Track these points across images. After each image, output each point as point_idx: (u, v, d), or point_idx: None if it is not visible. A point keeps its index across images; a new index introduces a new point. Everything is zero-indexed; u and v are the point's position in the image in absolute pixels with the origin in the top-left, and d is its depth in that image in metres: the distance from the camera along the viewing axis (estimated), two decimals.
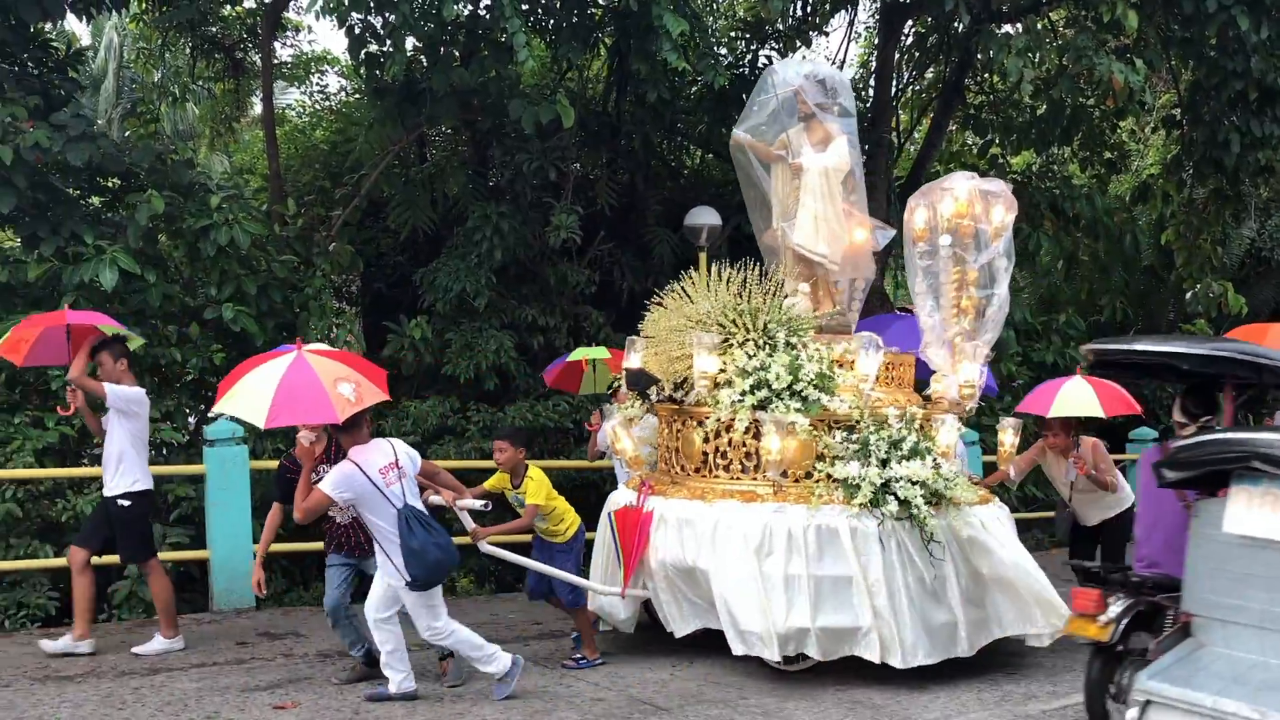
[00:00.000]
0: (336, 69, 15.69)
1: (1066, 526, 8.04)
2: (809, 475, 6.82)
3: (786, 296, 7.52)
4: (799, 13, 13.04)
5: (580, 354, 9.35)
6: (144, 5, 12.47)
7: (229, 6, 12.95)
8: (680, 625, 6.95)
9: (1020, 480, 8.23)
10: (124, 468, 7.08)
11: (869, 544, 6.54)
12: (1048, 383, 8.10)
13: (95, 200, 10.23)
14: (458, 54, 10.73)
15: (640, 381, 7.49)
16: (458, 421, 10.47)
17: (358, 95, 14.30)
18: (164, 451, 9.39)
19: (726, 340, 7.09)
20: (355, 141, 12.21)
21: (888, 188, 12.37)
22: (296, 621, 8.30)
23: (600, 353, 9.29)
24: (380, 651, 6.21)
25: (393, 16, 9.35)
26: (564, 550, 7.02)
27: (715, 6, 14.72)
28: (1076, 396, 7.60)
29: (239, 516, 8.57)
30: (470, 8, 10.10)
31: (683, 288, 7.44)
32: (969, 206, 7.42)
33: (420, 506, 6.09)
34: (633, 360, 7.55)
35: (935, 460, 6.78)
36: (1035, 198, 13.24)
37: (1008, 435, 7.80)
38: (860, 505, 6.56)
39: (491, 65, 10.25)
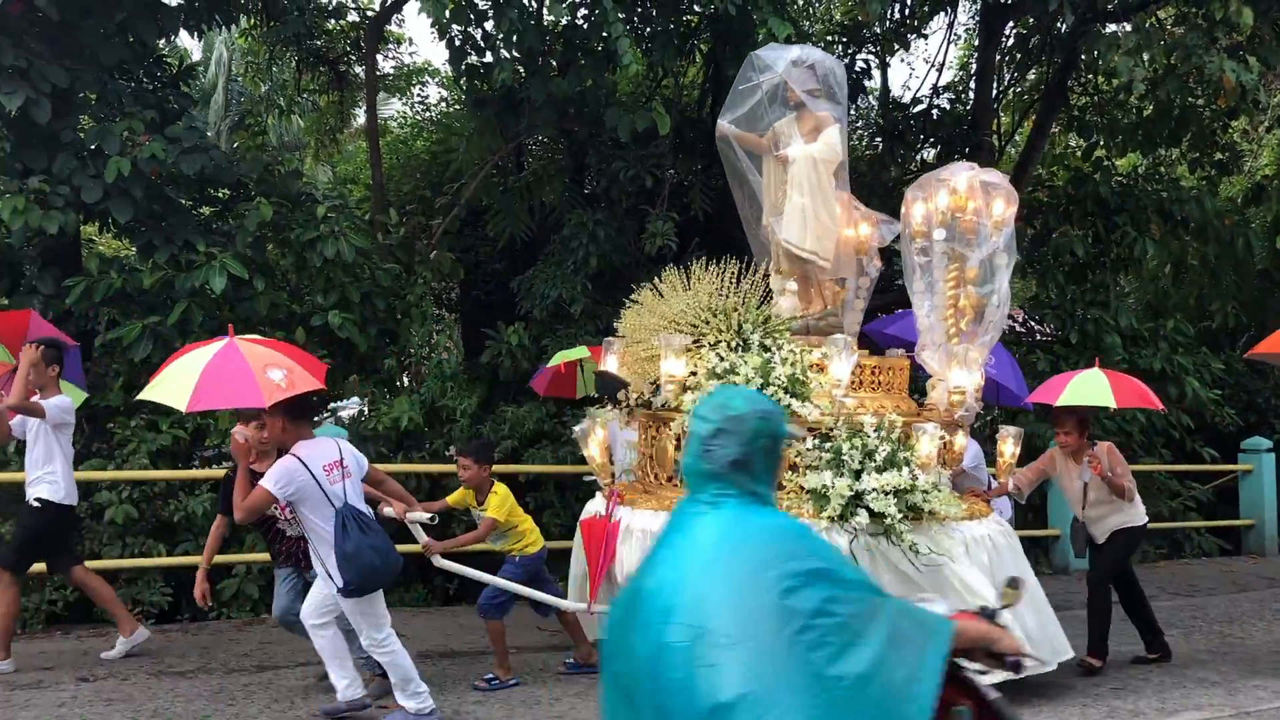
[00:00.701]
0: (437, 80, 15.98)
1: (1082, 542, 7.37)
2: (781, 486, 6.30)
3: (780, 295, 7.23)
4: (897, 15, 12.91)
5: (560, 357, 9.06)
6: (253, 21, 12.84)
7: (333, 21, 13.27)
8: None
9: (1028, 494, 7.74)
10: (54, 475, 6.87)
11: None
12: (1061, 374, 7.66)
13: (206, 210, 10.55)
14: (555, 64, 10.86)
15: (608, 385, 7.18)
16: (554, 426, 10.56)
17: (457, 106, 14.54)
18: None
19: (699, 341, 6.71)
20: (455, 151, 12.43)
21: None
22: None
23: (580, 352, 9.00)
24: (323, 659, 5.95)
25: (492, 27, 9.51)
26: (518, 564, 6.76)
27: (812, 11, 14.63)
28: (1089, 387, 7.19)
29: None
30: (569, 18, 10.19)
31: (656, 285, 7.08)
32: (968, 199, 6.99)
33: (363, 508, 5.79)
34: (608, 362, 7.24)
35: (914, 471, 6.25)
36: (1142, 201, 12.89)
37: (1008, 445, 7.35)
38: (830, 518, 6.07)
39: (589, 75, 10.33)
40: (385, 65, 15.35)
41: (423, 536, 6.41)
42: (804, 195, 7.14)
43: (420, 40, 38.34)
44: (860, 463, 6.18)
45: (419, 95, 16.23)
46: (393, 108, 17.23)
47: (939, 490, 6.32)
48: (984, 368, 7.19)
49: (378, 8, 13.05)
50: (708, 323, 6.75)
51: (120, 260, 10.03)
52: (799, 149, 7.15)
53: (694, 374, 6.56)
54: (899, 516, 6.05)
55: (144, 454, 8.77)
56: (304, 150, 17.83)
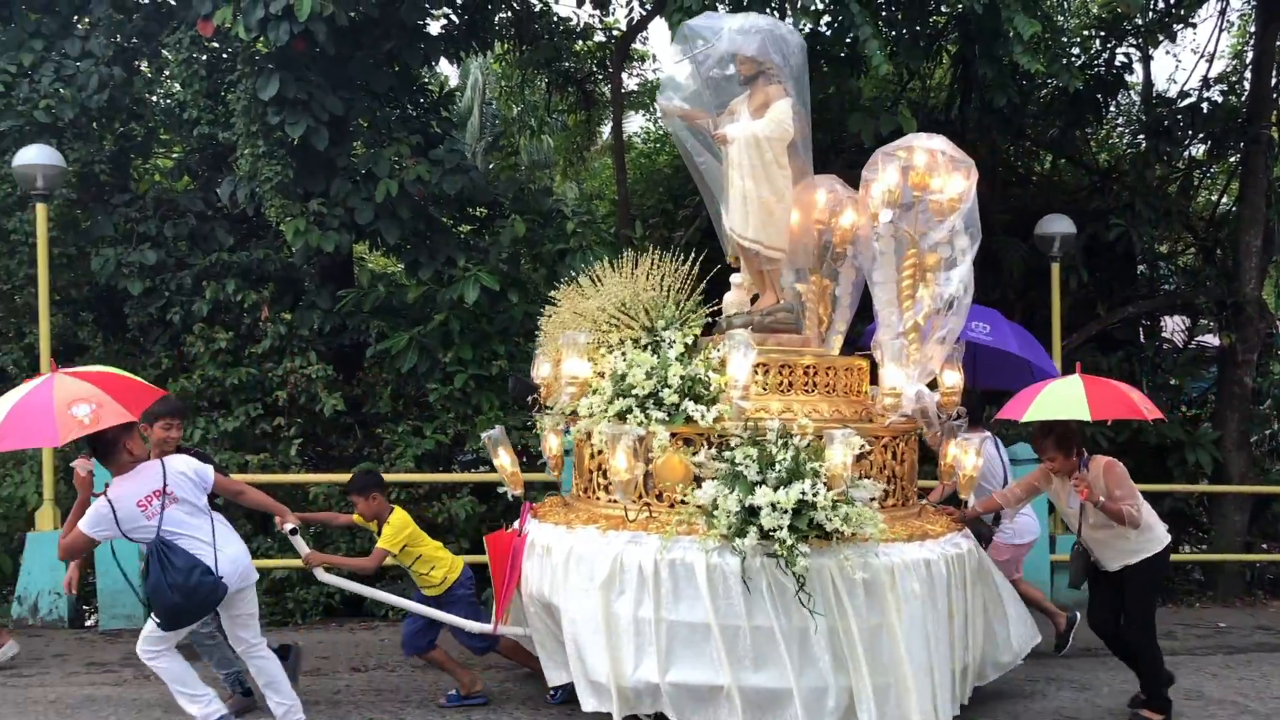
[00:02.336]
0: (680, 94, 16.20)
1: (1079, 571, 6.34)
2: (683, 501, 5.68)
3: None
4: (1161, 5, 12.15)
5: None
6: (506, 46, 13.44)
7: (581, 42, 13.71)
8: (552, 672, 6.02)
9: (1015, 513, 6.91)
10: None
11: (729, 584, 5.36)
12: (1033, 385, 6.38)
13: (465, 228, 11.11)
14: None
15: (520, 389, 6.81)
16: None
17: None
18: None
19: (622, 340, 6.21)
20: None
21: (1267, 187, 11.25)
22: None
23: None
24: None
25: None
26: (447, 601, 6.35)
27: (1068, 5, 13.98)
28: (1059, 397, 5.93)
29: None
30: (811, 25, 10.13)
31: (576, 279, 6.60)
32: (928, 175, 6.17)
33: (195, 531, 5.41)
34: (538, 365, 6.81)
35: (816, 484, 5.35)
36: None
37: (968, 456, 6.31)
38: (720, 537, 5.36)
39: (832, 81, 10.25)
40: (630, 82, 15.74)
41: (303, 548, 6.20)
42: (745, 178, 6.37)
43: (664, 56, 39.04)
44: (760, 473, 5.39)
45: None
46: (636, 123, 17.65)
47: (851, 506, 5.37)
48: (955, 361, 6.28)
49: (624, 28, 13.40)
50: (615, 320, 6.28)
51: (388, 275, 10.71)
52: (739, 127, 6.38)
53: (602, 375, 6.05)
54: (790, 536, 5.22)
55: (410, 458, 9.30)
56: (553, 168, 18.50)
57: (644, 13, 12.60)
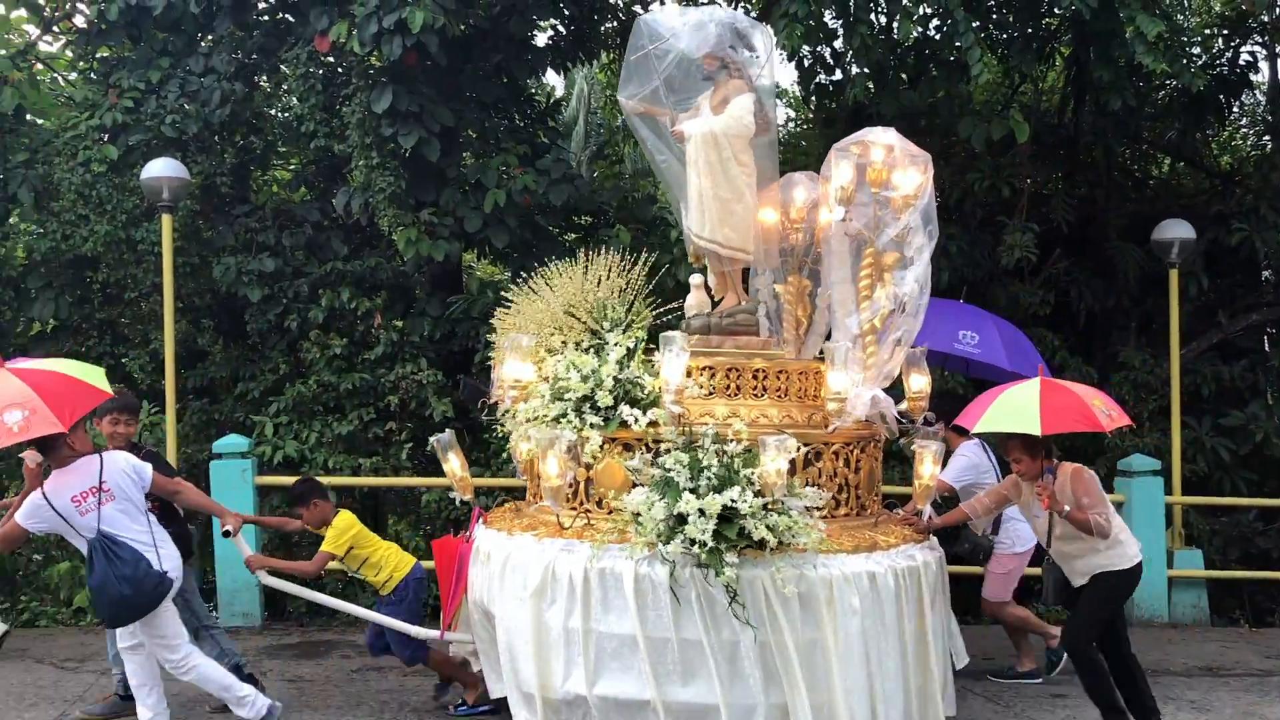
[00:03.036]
0: (784, 100, 16.15)
1: (1051, 586, 6.03)
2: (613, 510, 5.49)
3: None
4: None
5: None
6: (612, 56, 13.55)
7: None
8: (494, 684, 5.86)
9: (984, 524, 6.54)
10: None
11: (657, 595, 5.15)
12: (994, 388, 6.03)
13: (571, 236, 11.23)
14: (905, 77, 10.71)
15: (470, 392, 6.60)
16: (905, 447, 10.35)
17: (806, 126, 14.63)
18: None
19: (565, 342, 6.01)
20: (803, 170, 12.49)
21: None
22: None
23: None
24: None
25: (841, 45, 9.52)
26: (388, 602, 6.28)
27: (1188, 3, 13.55)
28: (1014, 406, 5.58)
29: None
30: (920, 30, 10.03)
31: (530, 280, 6.32)
32: (886, 170, 5.92)
33: (130, 531, 5.43)
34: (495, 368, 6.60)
35: (751, 492, 5.08)
36: None
37: (925, 465, 5.91)
38: (647, 545, 5.14)
39: (941, 85, 10.11)
40: None
41: (246, 550, 6.23)
42: (701, 176, 6.12)
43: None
44: (694, 480, 5.16)
45: None
46: None
47: (784, 515, 5.11)
48: (922, 364, 5.94)
49: None
50: (558, 325, 6.06)
51: (496, 283, 10.88)
52: (696, 124, 6.16)
53: (545, 379, 5.86)
54: (720, 545, 4.99)
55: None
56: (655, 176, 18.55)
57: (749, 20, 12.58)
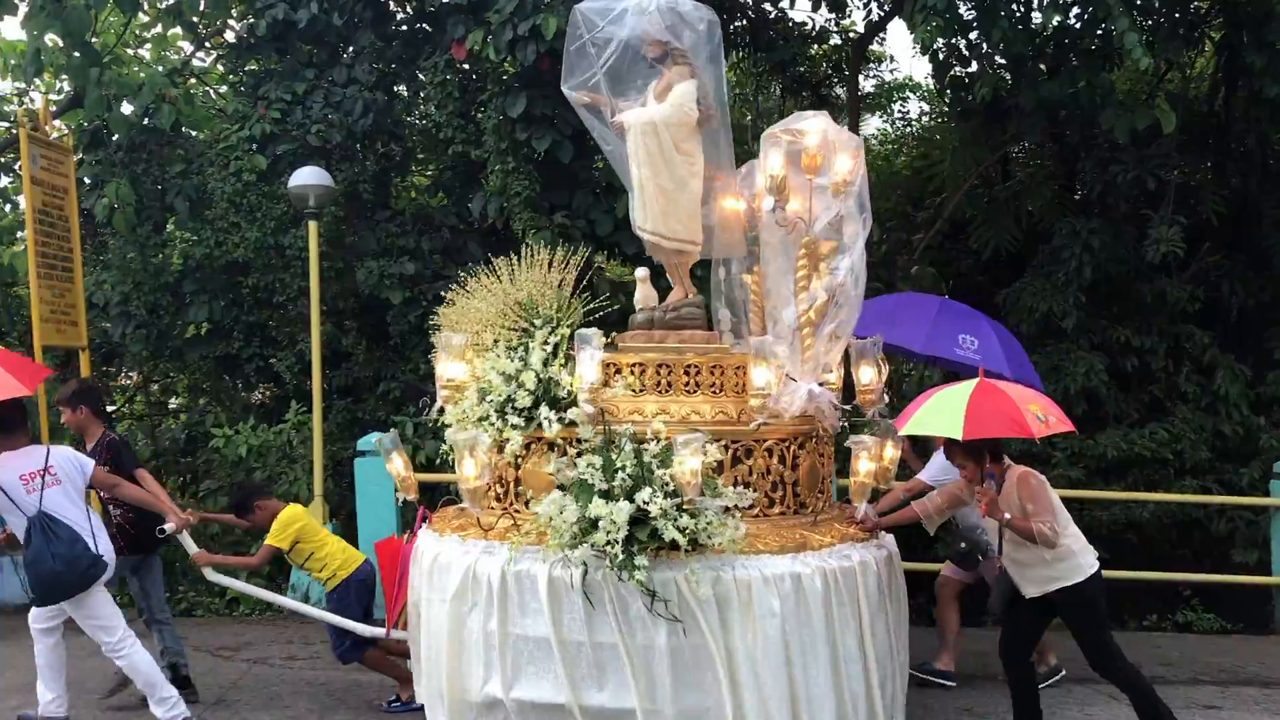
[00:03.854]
0: (918, 94, 15.90)
1: (999, 595, 5.78)
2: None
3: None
4: None
5: None
6: (740, 54, 13.53)
7: (817, 46, 13.64)
8: (419, 684, 5.81)
9: (937, 525, 6.05)
10: None
11: (571, 598, 5.02)
12: (933, 388, 5.71)
13: None
14: (1045, 67, 10.43)
15: (411, 393, 6.29)
16: (1042, 448, 10.10)
17: (940, 119, 14.38)
18: None
19: (497, 340, 5.76)
20: (937, 165, 12.31)
21: None
22: None
23: None
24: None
25: (977, 37, 9.33)
26: (330, 599, 6.33)
27: None
28: (941, 409, 5.28)
29: None
30: (1059, 18, 9.75)
31: (467, 277, 6.11)
32: (819, 156, 5.59)
33: (70, 515, 5.68)
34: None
35: (661, 493, 4.89)
36: None
37: (861, 461, 5.58)
38: (561, 547, 4.97)
39: (1082, 75, 9.81)
40: (866, 84, 15.54)
41: (191, 546, 6.27)
42: (641, 166, 5.87)
43: (901, 56, 38.23)
44: (609, 481, 4.98)
45: (900, 111, 16.24)
46: (873, 125, 17.37)
47: (697, 515, 4.92)
48: (872, 357, 5.73)
49: (861, 30, 13.25)
50: (489, 323, 5.83)
51: (626, 285, 10.98)
52: (634, 113, 5.91)
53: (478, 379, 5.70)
54: (633, 547, 4.85)
55: None
56: None
57: (882, 14, 12.43)
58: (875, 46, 14.79)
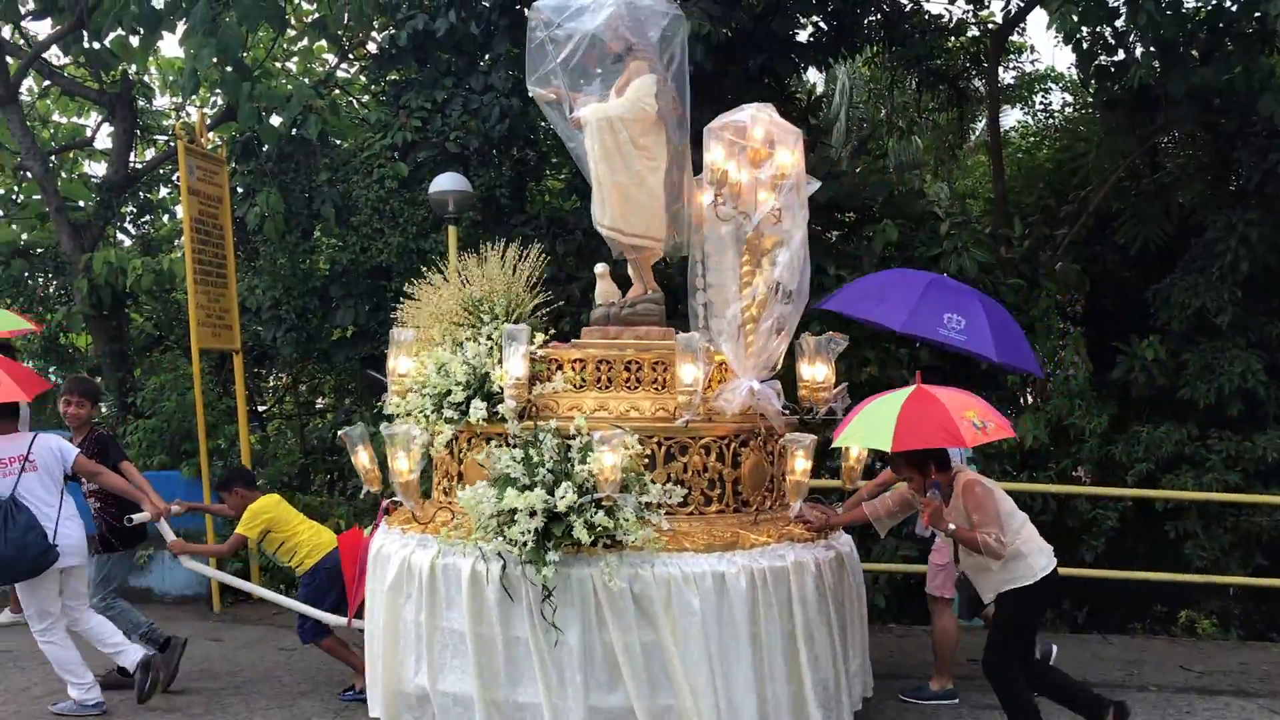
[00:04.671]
0: (1061, 85, 15.44)
1: (964, 601, 5.61)
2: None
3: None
4: None
5: None
6: (875, 49, 13.34)
7: (954, 38, 13.35)
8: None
9: (888, 527, 5.85)
10: None
11: (489, 592, 5.11)
12: (870, 397, 5.40)
13: (833, 234, 11.13)
14: (1197, 53, 10.00)
15: (369, 383, 6.27)
16: (1196, 450, 9.68)
17: (1085, 110, 13.92)
18: None
19: (445, 335, 5.97)
20: (1082, 157, 11.92)
21: None
22: None
23: None
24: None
25: (1123, 23, 9.00)
26: (300, 585, 6.67)
27: None
28: (873, 418, 5.09)
29: None
30: (1213, 0, 9.34)
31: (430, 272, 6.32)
32: (765, 148, 5.55)
33: (39, 500, 6.05)
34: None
35: (572, 490, 4.96)
36: None
37: (797, 460, 5.56)
38: (477, 541, 5.10)
39: (1238, 60, 9.37)
40: (1006, 76, 15.16)
41: (169, 535, 6.60)
42: (598, 162, 5.98)
43: (1042, 46, 37.10)
44: (531, 475, 5.06)
45: (1041, 103, 15.79)
46: (1013, 118, 16.94)
47: (613, 512, 4.98)
48: (824, 353, 5.84)
49: (999, 21, 12.92)
50: (440, 318, 6.05)
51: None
52: (590, 109, 5.98)
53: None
54: (546, 542, 4.95)
55: None
56: (923, 169, 18.13)
57: (1021, 4, 12.10)
58: (1015, 37, 14.42)
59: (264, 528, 6.67)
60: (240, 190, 11.01)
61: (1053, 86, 15.63)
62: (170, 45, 23.46)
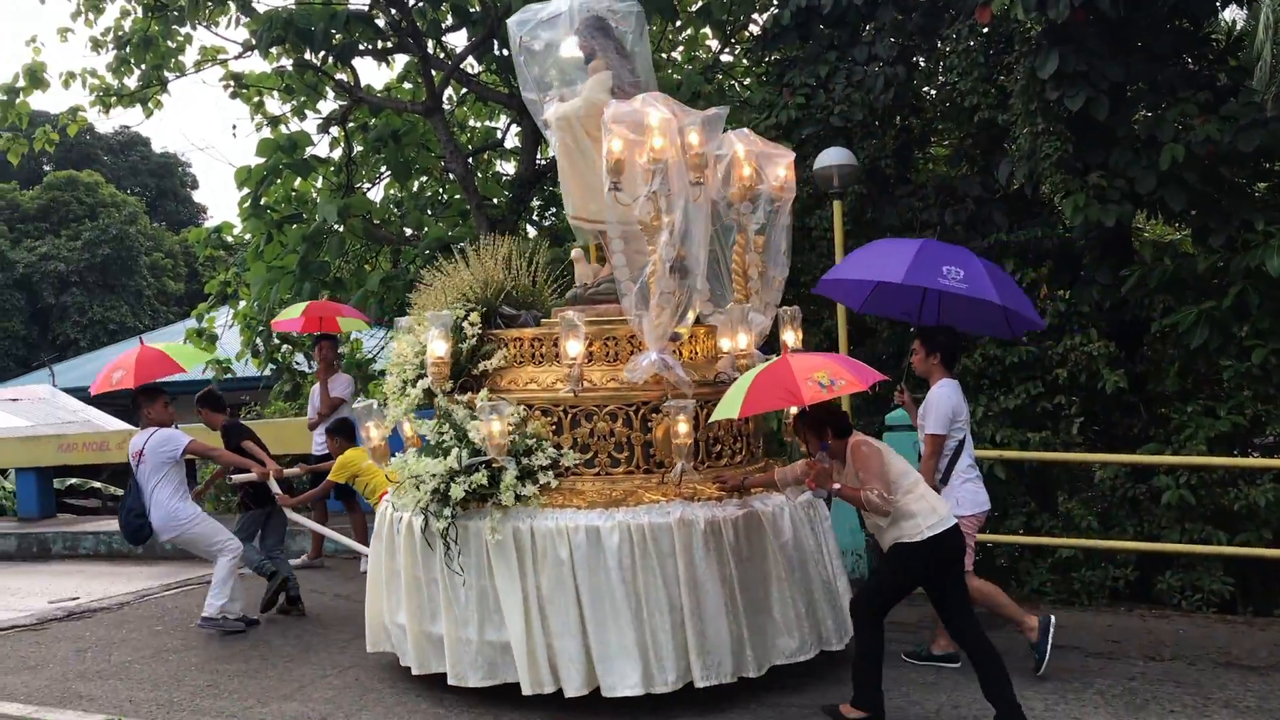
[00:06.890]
0: None
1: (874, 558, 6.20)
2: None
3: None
4: None
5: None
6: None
7: None
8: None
9: (799, 492, 6.36)
10: None
11: (416, 541, 6.25)
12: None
13: (1261, 186, 10.04)
14: None
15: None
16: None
17: None
18: None
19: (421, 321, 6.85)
20: None
21: None
22: None
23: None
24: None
25: None
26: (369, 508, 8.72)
27: None
28: (733, 390, 5.54)
29: None
30: None
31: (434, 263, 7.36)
32: (654, 133, 5.93)
33: (151, 485, 7.88)
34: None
35: (465, 452, 6.03)
36: None
37: (680, 424, 5.98)
38: (406, 499, 6.27)
39: None
40: None
41: (276, 490, 8.42)
42: (563, 158, 6.77)
43: None
44: (438, 443, 6.18)
45: None
46: None
47: (493, 471, 5.95)
48: (746, 323, 6.58)
49: None
50: (428, 305, 6.93)
51: (1173, 246, 10.09)
52: (551, 110, 6.78)
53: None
54: (428, 499, 6.05)
55: (1201, 439, 8.68)
56: None
57: None
58: None
59: (350, 475, 8.77)
60: None
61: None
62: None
